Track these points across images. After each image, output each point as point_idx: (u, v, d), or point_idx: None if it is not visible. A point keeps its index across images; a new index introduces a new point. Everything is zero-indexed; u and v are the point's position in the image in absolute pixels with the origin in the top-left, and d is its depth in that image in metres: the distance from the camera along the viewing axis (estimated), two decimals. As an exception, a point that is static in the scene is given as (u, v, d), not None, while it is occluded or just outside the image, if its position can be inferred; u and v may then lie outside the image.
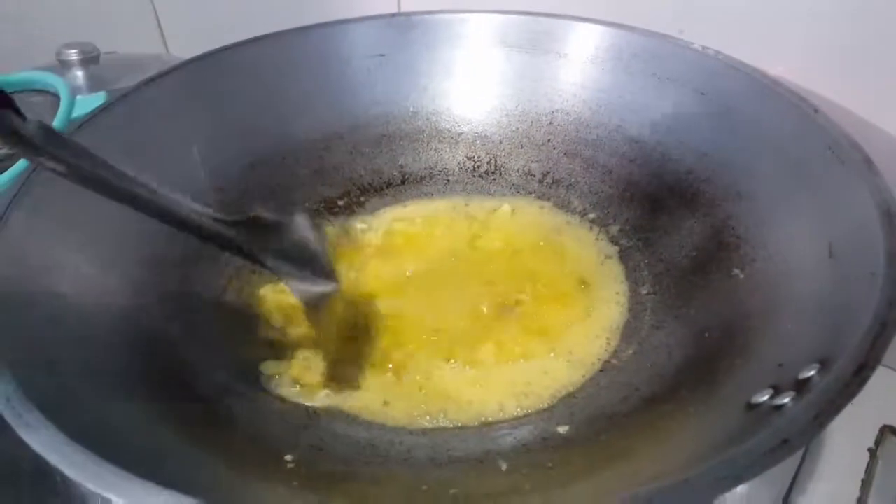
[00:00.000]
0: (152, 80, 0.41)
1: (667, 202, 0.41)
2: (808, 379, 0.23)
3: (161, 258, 0.38)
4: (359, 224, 0.46)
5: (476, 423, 0.33)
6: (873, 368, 0.22)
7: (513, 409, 0.34)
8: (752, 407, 0.25)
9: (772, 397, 0.24)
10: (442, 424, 0.33)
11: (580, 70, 0.45)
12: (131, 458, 0.22)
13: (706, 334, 0.33)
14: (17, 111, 0.23)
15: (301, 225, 0.32)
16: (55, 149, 0.23)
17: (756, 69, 0.38)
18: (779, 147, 0.36)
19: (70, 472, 0.21)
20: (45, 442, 0.22)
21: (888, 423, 0.36)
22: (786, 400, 0.23)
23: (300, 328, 0.39)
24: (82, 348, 0.30)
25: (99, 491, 0.21)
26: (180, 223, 0.28)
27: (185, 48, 0.74)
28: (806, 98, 0.35)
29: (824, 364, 0.23)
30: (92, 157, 0.25)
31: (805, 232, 0.31)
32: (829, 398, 0.21)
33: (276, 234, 0.31)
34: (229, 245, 0.30)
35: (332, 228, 0.45)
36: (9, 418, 0.23)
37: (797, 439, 0.20)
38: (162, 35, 0.76)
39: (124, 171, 0.26)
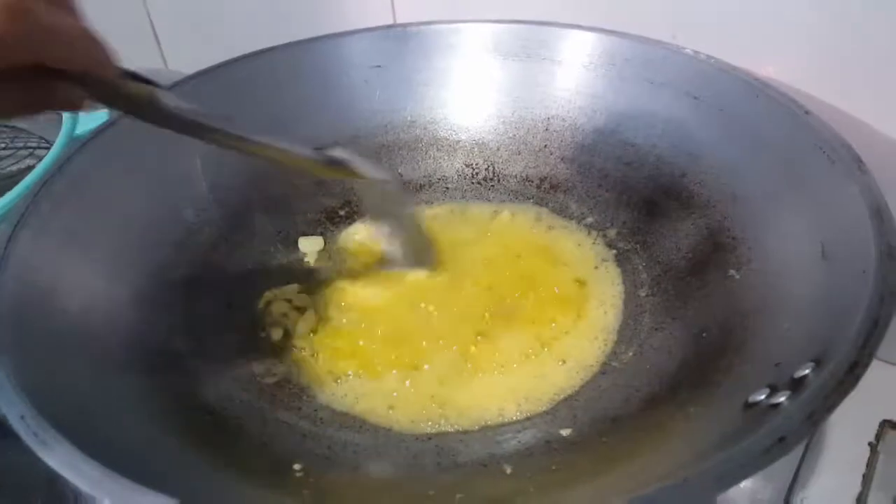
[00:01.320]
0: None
1: (662, 205, 0.41)
2: (804, 378, 0.24)
3: (166, 270, 0.39)
4: (358, 232, 0.46)
5: (477, 428, 0.34)
6: (866, 366, 0.22)
7: (513, 413, 0.34)
8: (749, 406, 0.25)
9: (768, 396, 0.25)
10: (444, 429, 0.34)
11: (574, 76, 0.45)
12: (144, 471, 0.23)
13: (704, 335, 0.34)
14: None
15: None
16: None
17: (747, 72, 0.39)
18: (771, 148, 0.36)
19: (86, 487, 0.22)
20: (60, 459, 0.23)
21: (888, 417, 0.37)
22: (782, 399, 0.23)
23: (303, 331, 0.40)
24: (93, 364, 0.30)
25: (115, 505, 0.21)
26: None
27: (183, 62, 0.75)
28: (796, 100, 0.36)
29: (819, 363, 0.24)
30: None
31: (798, 232, 0.32)
32: (823, 396, 0.22)
33: None
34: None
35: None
36: (24, 436, 0.23)
37: (793, 437, 0.21)
38: (160, 50, 0.77)
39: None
